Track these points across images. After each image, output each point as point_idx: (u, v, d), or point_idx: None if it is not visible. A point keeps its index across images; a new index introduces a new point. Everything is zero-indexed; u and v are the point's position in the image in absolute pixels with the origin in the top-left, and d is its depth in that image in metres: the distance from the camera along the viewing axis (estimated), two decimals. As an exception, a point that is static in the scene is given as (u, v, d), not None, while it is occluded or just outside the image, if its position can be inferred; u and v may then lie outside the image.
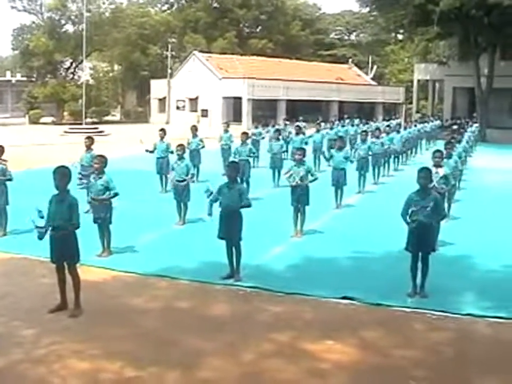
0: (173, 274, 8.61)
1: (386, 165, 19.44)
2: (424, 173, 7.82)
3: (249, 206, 8.33)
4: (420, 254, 7.80)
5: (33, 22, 60.89)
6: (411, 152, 24.98)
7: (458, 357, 6.25)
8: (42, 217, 6.99)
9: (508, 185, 18.02)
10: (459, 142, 16.53)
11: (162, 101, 57.40)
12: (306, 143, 19.11)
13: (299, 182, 10.85)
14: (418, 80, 51.73)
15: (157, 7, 71.42)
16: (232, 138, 19.21)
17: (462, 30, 37.67)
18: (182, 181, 11.75)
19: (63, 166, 7.20)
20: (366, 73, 65.25)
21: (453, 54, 44.40)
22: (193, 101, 53.21)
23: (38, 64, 56.89)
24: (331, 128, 25.10)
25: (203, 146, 17.61)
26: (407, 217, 7.71)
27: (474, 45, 38.50)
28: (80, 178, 10.84)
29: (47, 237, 7.02)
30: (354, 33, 79.57)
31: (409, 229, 7.78)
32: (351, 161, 14.78)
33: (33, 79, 59.04)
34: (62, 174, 7.03)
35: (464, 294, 7.97)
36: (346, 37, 79.62)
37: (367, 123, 31.44)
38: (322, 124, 25.61)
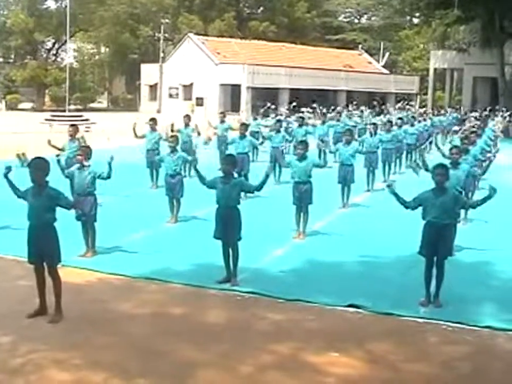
0: (163, 277, 8.62)
1: (397, 161, 19.44)
2: (441, 170, 7.85)
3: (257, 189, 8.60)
4: (435, 258, 7.81)
5: (10, -4, 60.89)
6: (425, 148, 24.95)
7: (475, 374, 6.25)
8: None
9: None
10: (480, 136, 16.54)
11: (153, 87, 57.37)
12: (310, 133, 19.78)
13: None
14: (435, 69, 51.76)
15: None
16: (228, 126, 19.38)
17: (485, 13, 37.58)
18: (175, 176, 11.77)
19: (39, 158, 7.18)
20: (378, 61, 65.26)
21: (474, 40, 44.37)
22: (188, 88, 53.20)
23: (16, 43, 56.87)
24: (338, 120, 25.10)
25: (199, 133, 17.63)
26: (411, 205, 7.91)
27: (499, 30, 38.40)
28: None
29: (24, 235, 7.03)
30: (365, 16, 79.48)
31: (424, 230, 7.81)
32: (360, 152, 14.80)
33: (11, 60, 59.03)
34: (38, 167, 6.99)
35: (483, 304, 7.97)
36: (356, 20, 79.51)
37: (380, 113, 31.46)
38: (329, 115, 25.66)
